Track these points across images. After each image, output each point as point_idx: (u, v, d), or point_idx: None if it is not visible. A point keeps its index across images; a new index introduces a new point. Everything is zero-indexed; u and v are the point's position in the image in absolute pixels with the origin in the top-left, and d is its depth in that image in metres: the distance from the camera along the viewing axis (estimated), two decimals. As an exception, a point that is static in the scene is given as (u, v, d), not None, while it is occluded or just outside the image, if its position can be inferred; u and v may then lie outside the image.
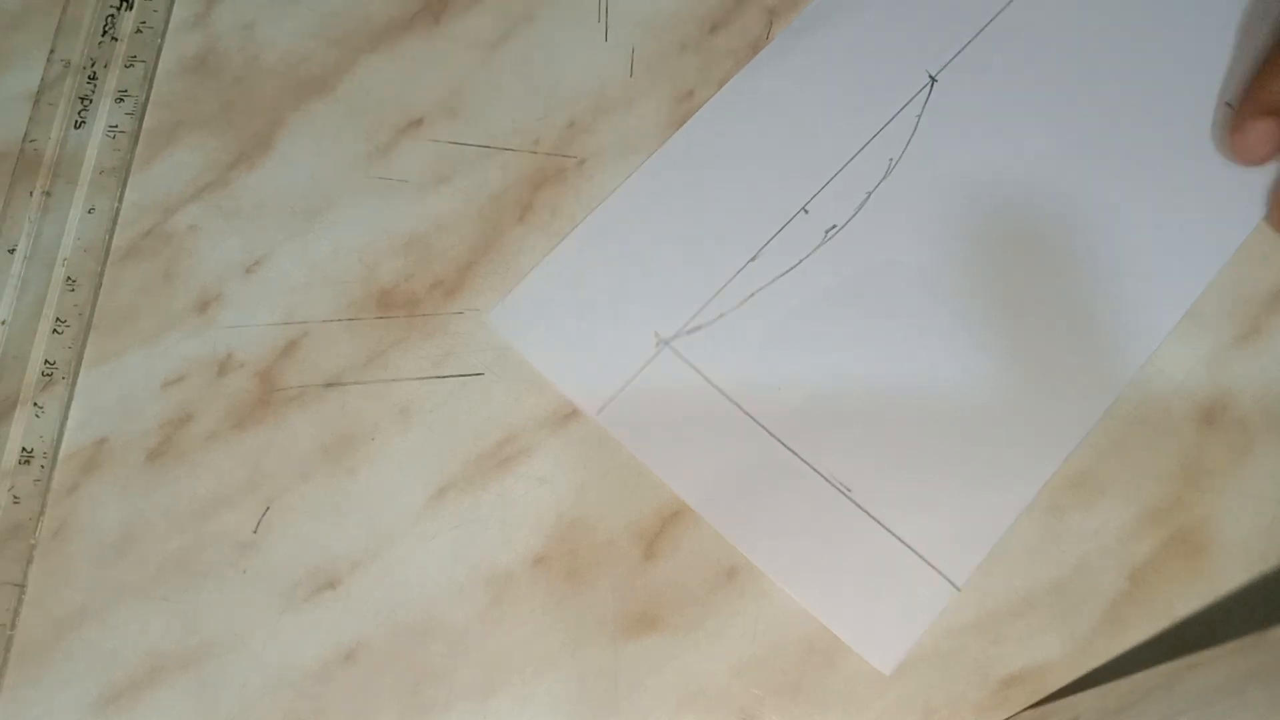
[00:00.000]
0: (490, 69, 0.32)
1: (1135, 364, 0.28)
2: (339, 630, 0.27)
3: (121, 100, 0.32)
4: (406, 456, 0.28)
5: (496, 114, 0.31)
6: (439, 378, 0.29)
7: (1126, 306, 0.29)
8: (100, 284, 0.30)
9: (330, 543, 0.28)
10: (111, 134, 0.31)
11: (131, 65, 0.32)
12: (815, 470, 0.27)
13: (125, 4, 0.33)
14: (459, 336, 0.29)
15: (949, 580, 0.26)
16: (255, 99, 0.32)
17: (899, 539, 0.27)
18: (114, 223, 0.31)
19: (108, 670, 0.27)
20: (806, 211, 0.30)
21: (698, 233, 0.30)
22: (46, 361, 0.29)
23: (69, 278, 0.30)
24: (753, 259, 0.29)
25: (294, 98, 0.32)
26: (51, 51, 0.32)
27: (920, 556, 0.26)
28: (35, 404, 0.29)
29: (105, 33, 0.33)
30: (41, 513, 0.28)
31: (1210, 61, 0.31)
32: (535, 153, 0.31)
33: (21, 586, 0.27)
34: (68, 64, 0.32)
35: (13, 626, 0.27)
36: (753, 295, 0.29)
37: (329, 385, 0.29)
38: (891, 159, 0.30)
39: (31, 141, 0.31)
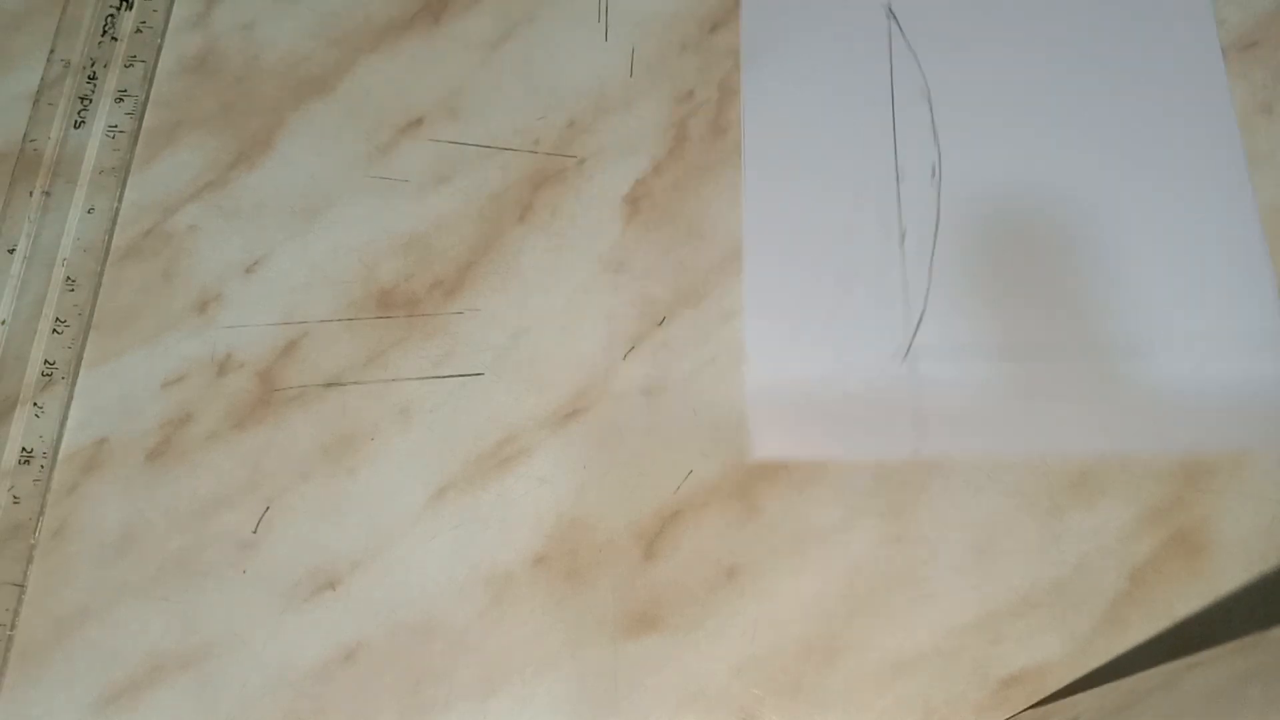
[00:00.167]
0: (490, 69, 0.32)
1: None
2: (339, 630, 0.27)
3: (121, 100, 0.32)
4: (406, 456, 0.28)
5: (496, 114, 0.31)
6: (439, 378, 0.29)
7: None
8: (100, 284, 0.30)
9: (330, 543, 0.28)
10: (111, 134, 0.31)
11: (131, 65, 0.32)
12: None
13: (125, 4, 0.33)
14: (459, 336, 0.29)
15: None
16: (255, 99, 0.32)
17: None
18: (114, 223, 0.31)
19: (108, 670, 0.27)
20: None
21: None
22: (46, 361, 0.29)
23: (69, 278, 0.30)
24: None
25: (294, 98, 0.32)
26: (51, 51, 0.32)
27: None
28: (35, 404, 0.29)
29: (105, 33, 0.33)
30: (41, 513, 0.28)
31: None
32: (535, 152, 0.31)
33: (21, 586, 0.27)
34: (68, 64, 0.32)
35: (13, 626, 0.27)
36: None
37: (329, 385, 0.29)
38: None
39: (31, 141, 0.31)
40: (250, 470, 0.28)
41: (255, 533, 0.28)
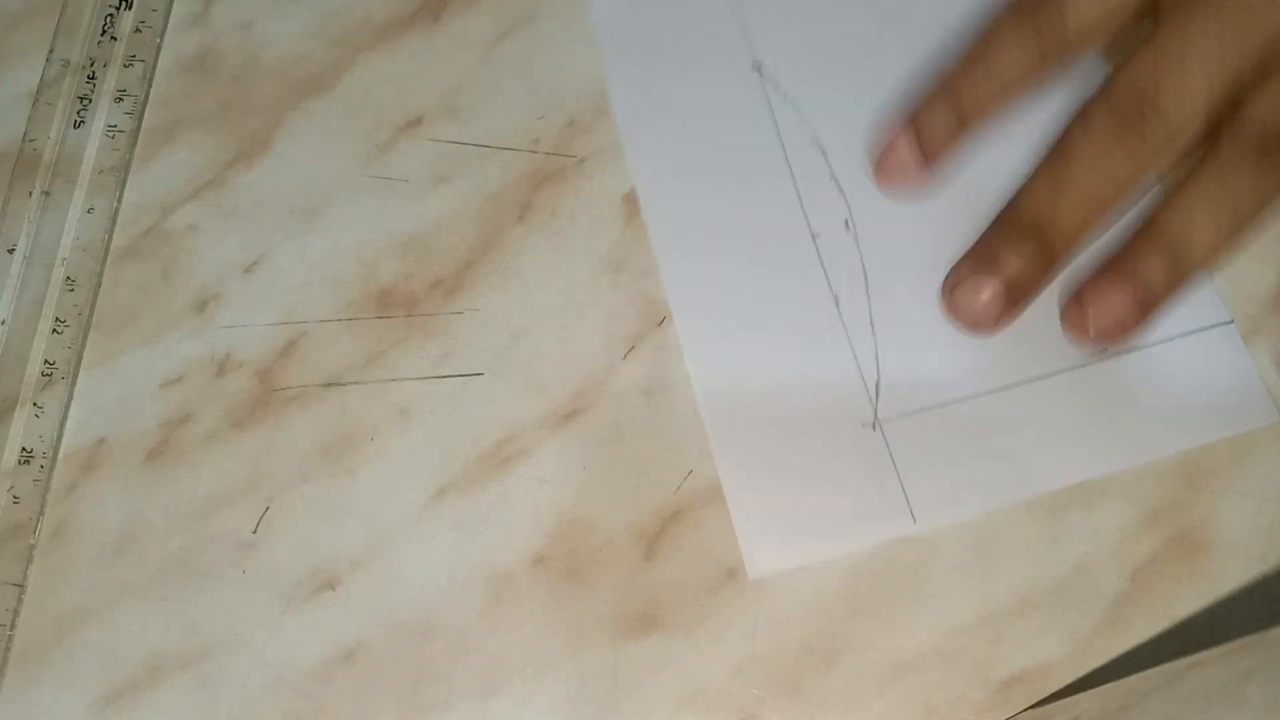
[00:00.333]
0: (490, 68, 0.32)
1: None
2: (339, 630, 0.27)
3: (120, 100, 0.32)
4: (406, 456, 0.28)
5: (496, 113, 0.31)
6: (439, 378, 0.29)
7: None
8: (99, 284, 0.30)
9: (330, 543, 0.28)
10: (110, 133, 0.31)
11: (130, 65, 0.32)
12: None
13: (124, 3, 0.33)
14: (459, 336, 0.29)
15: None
16: (254, 98, 0.32)
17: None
18: (113, 222, 0.31)
19: (108, 670, 0.27)
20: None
21: None
22: (46, 361, 0.29)
23: (68, 278, 0.30)
24: None
25: (293, 97, 0.32)
26: (51, 51, 0.32)
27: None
28: (35, 404, 0.29)
29: (104, 32, 0.33)
30: (41, 513, 0.28)
31: None
32: (535, 152, 0.31)
33: (21, 586, 0.27)
34: (67, 63, 0.32)
35: (13, 626, 0.27)
36: None
37: (329, 385, 0.29)
38: None
39: (30, 141, 0.31)
40: (250, 470, 0.28)
41: (255, 533, 0.28)
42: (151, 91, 0.32)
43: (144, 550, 0.28)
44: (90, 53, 0.32)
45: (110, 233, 0.31)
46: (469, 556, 0.27)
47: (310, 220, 0.31)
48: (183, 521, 0.28)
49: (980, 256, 0.27)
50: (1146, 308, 0.26)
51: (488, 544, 0.27)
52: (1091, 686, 0.25)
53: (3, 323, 0.30)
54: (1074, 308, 0.26)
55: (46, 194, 0.31)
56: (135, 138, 0.32)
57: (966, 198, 0.29)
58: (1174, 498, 0.27)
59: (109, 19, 0.33)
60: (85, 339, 0.30)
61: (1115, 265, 0.26)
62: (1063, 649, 0.26)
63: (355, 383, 0.29)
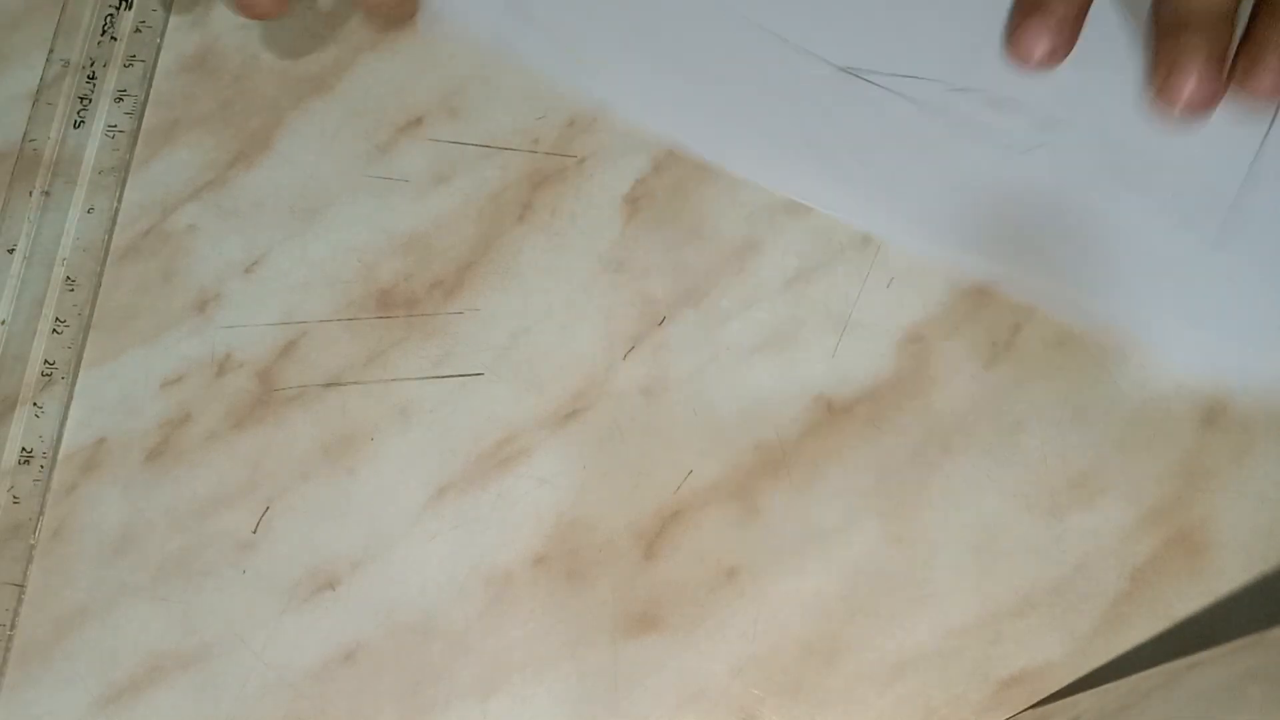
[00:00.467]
0: (490, 68, 0.32)
1: None
2: (339, 630, 0.27)
3: (120, 100, 0.32)
4: (406, 456, 0.28)
5: (496, 113, 0.31)
6: (439, 378, 0.29)
7: None
8: (99, 284, 0.30)
9: (330, 543, 0.28)
10: (110, 133, 0.31)
11: (130, 65, 0.32)
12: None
13: (124, 3, 0.33)
14: (459, 336, 0.29)
15: None
16: (254, 98, 0.32)
17: None
18: (113, 222, 0.31)
19: (108, 670, 0.27)
20: None
21: None
22: (46, 361, 0.29)
23: (68, 277, 0.30)
24: None
25: (293, 96, 0.32)
26: (51, 51, 0.32)
27: None
28: (35, 404, 0.29)
29: (104, 32, 0.33)
30: (41, 513, 0.28)
31: None
32: (535, 152, 0.31)
33: (21, 586, 0.27)
34: (67, 63, 0.32)
35: (13, 626, 0.27)
36: None
37: (329, 385, 0.29)
38: None
39: (31, 141, 0.31)
40: (250, 470, 0.28)
41: (255, 533, 0.28)
42: (151, 91, 0.32)
43: (144, 550, 0.28)
44: (90, 53, 0.32)
45: (110, 233, 0.31)
46: (469, 556, 0.27)
47: (310, 220, 0.31)
48: (183, 521, 0.28)
49: (1030, 4, 0.30)
50: None
51: (488, 544, 0.27)
52: (1091, 686, 0.25)
53: (3, 323, 0.30)
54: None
55: (46, 194, 0.31)
56: (135, 138, 0.32)
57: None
58: (1174, 498, 0.27)
59: (109, 19, 0.33)
60: (85, 339, 0.30)
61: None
62: (1063, 649, 0.26)
63: (355, 383, 0.29)
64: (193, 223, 0.31)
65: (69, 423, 0.29)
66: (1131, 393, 0.28)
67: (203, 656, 0.27)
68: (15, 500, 0.28)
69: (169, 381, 0.29)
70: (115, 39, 0.33)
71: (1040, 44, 0.29)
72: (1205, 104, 0.29)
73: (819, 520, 0.27)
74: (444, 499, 0.28)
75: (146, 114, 0.32)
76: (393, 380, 0.29)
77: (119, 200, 0.31)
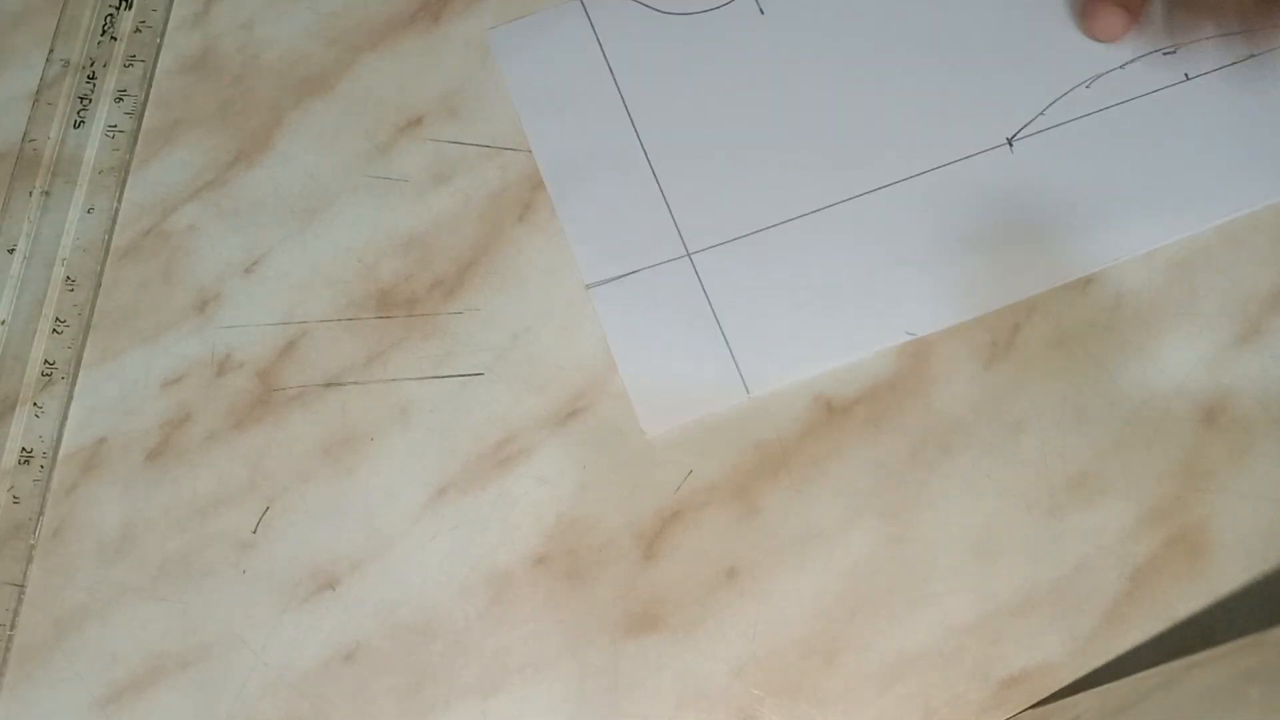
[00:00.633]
0: (490, 68, 0.32)
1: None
2: (339, 630, 0.27)
3: (120, 100, 0.32)
4: (406, 456, 0.28)
5: (496, 113, 0.31)
6: (439, 378, 0.29)
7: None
8: (99, 284, 0.30)
9: (330, 543, 0.28)
10: (110, 133, 0.31)
11: (130, 65, 0.32)
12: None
13: (124, 3, 0.33)
14: (459, 336, 0.29)
15: (744, 383, 0.28)
16: (254, 98, 0.32)
17: (720, 326, 0.29)
18: (113, 222, 0.31)
19: (108, 670, 0.27)
20: None
21: None
22: (46, 361, 0.29)
23: (68, 277, 0.30)
24: None
25: (293, 97, 0.32)
26: (51, 51, 0.32)
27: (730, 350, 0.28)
28: (35, 404, 0.29)
29: (104, 32, 0.33)
30: (41, 513, 0.28)
31: None
32: (535, 152, 0.31)
33: (21, 586, 0.27)
34: (67, 64, 0.32)
35: (13, 626, 0.27)
36: None
37: (329, 385, 0.29)
38: None
39: (31, 141, 0.31)
40: (250, 470, 0.28)
41: (255, 533, 0.28)
42: (151, 91, 0.32)
43: (144, 550, 0.28)
44: (90, 53, 0.32)
45: (110, 233, 0.31)
46: (469, 556, 0.27)
47: (310, 220, 0.31)
48: (183, 521, 0.28)
49: None
50: None
51: (488, 544, 0.27)
52: (1091, 686, 0.25)
53: (3, 323, 0.30)
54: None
55: (46, 194, 0.31)
56: (135, 138, 0.32)
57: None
58: (1174, 498, 0.27)
59: (109, 19, 0.33)
60: (85, 339, 0.30)
61: None
62: (1063, 649, 0.26)
63: (355, 383, 0.29)
64: (193, 223, 0.31)
65: (69, 423, 0.29)
66: (1131, 393, 0.28)
67: (203, 656, 0.27)
68: (15, 500, 0.28)
69: (169, 381, 0.29)
70: (115, 39, 0.33)
71: (1115, 22, 0.31)
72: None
73: (819, 520, 0.27)
74: (444, 499, 0.28)
75: (146, 114, 0.32)
76: (393, 380, 0.29)
77: (119, 200, 0.31)
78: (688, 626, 0.27)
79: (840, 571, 0.27)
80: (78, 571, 0.27)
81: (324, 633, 0.27)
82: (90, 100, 0.32)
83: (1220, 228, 0.29)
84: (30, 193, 0.31)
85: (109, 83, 0.32)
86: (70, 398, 0.29)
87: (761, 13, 0.31)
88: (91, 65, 0.32)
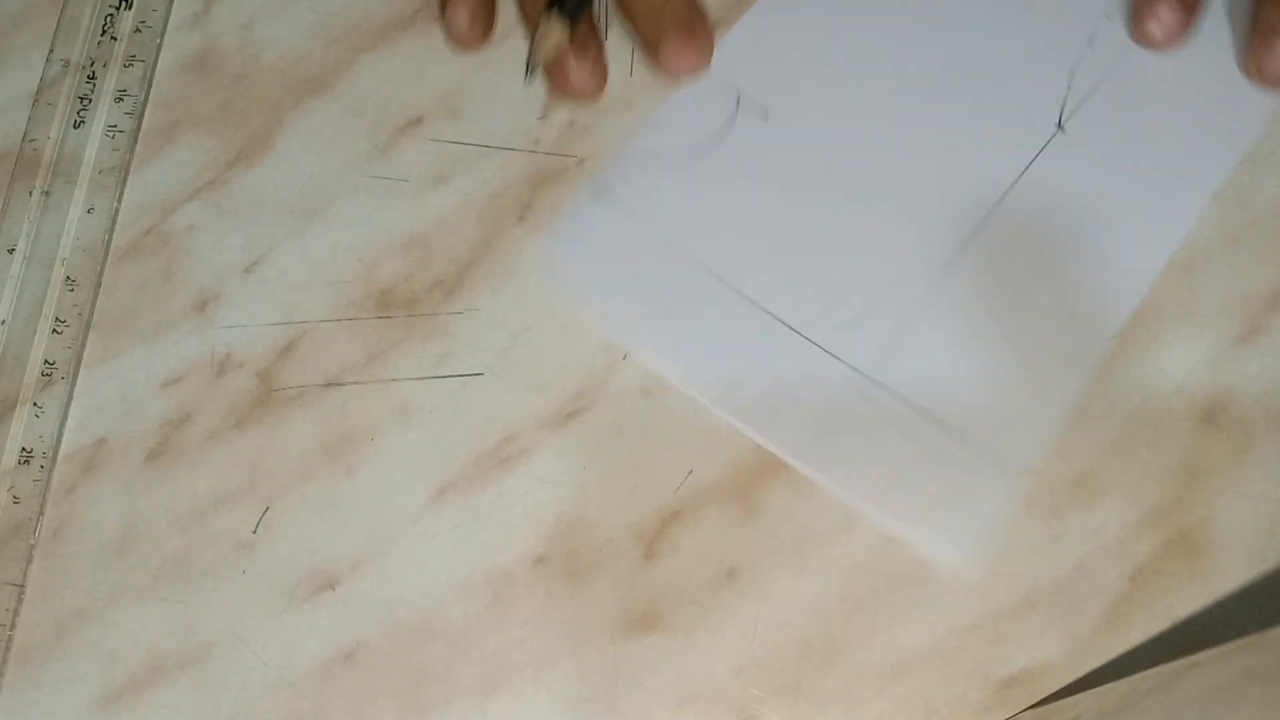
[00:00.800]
0: (490, 68, 0.32)
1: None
2: (339, 630, 0.27)
3: (120, 100, 0.32)
4: (406, 456, 0.28)
5: (496, 113, 0.31)
6: (439, 378, 0.29)
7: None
8: (99, 284, 0.30)
9: (330, 543, 0.28)
10: (110, 133, 0.31)
11: (130, 65, 0.32)
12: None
13: (124, 3, 0.33)
14: (459, 336, 0.29)
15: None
16: (254, 98, 0.32)
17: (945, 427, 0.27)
18: (113, 222, 0.31)
19: (108, 670, 0.27)
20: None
21: None
22: (46, 361, 0.29)
23: (68, 277, 0.30)
24: None
25: (293, 97, 0.32)
26: (51, 51, 0.32)
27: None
28: (35, 404, 0.29)
29: (104, 32, 0.33)
30: (41, 513, 0.28)
31: None
32: (535, 152, 0.31)
33: (21, 586, 0.27)
34: (67, 63, 0.32)
35: (13, 626, 0.27)
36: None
37: (329, 385, 0.29)
38: None
39: (31, 141, 0.31)
40: (250, 470, 0.28)
41: (255, 533, 0.28)
42: (151, 91, 0.32)
43: (144, 550, 0.28)
44: (90, 53, 0.32)
45: (110, 233, 0.31)
46: (469, 556, 0.27)
47: (310, 220, 0.31)
48: (183, 521, 0.28)
49: None
50: None
51: (488, 544, 0.27)
52: (1091, 686, 0.25)
53: (3, 323, 0.30)
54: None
55: (46, 194, 0.31)
56: (135, 138, 0.32)
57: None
58: (1174, 498, 0.27)
59: (109, 19, 0.33)
60: (85, 339, 0.30)
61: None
62: (1063, 649, 0.26)
63: (355, 383, 0.29)
64: (193, 223, 0.31)
65: (69, 423, 0.29)
66: (1131, 393, 0.28)
67: (203, 656, 0.27)
68: (15, 500, 0.28)
69: (169, 381, 0.29)
70: (115, 39, 0.33)
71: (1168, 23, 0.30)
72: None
73: (819, 520, 0.27)
74: (444, 499, 0.28)
75: (146, 114, 0.32)
76: (393, 380, 0.29)
77: (119, 200, 0.31)
78: (688, 626, 0.27)
79: (840, 571, 0.27)
80: (78, 571, 0.27)
81: (324, 633, 0.27)
82: (90, 100, 0.32)
83: (1220, 228, 0.29)
84: (30, 193, 0.31)
85: (109, 83, 0.32)
86: (70, 398, 0.29)
87: (765, 120, 0.31)
88: (91, 65, 0.32)
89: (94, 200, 0.31)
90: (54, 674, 0.27)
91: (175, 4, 0.33)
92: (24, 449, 0.28)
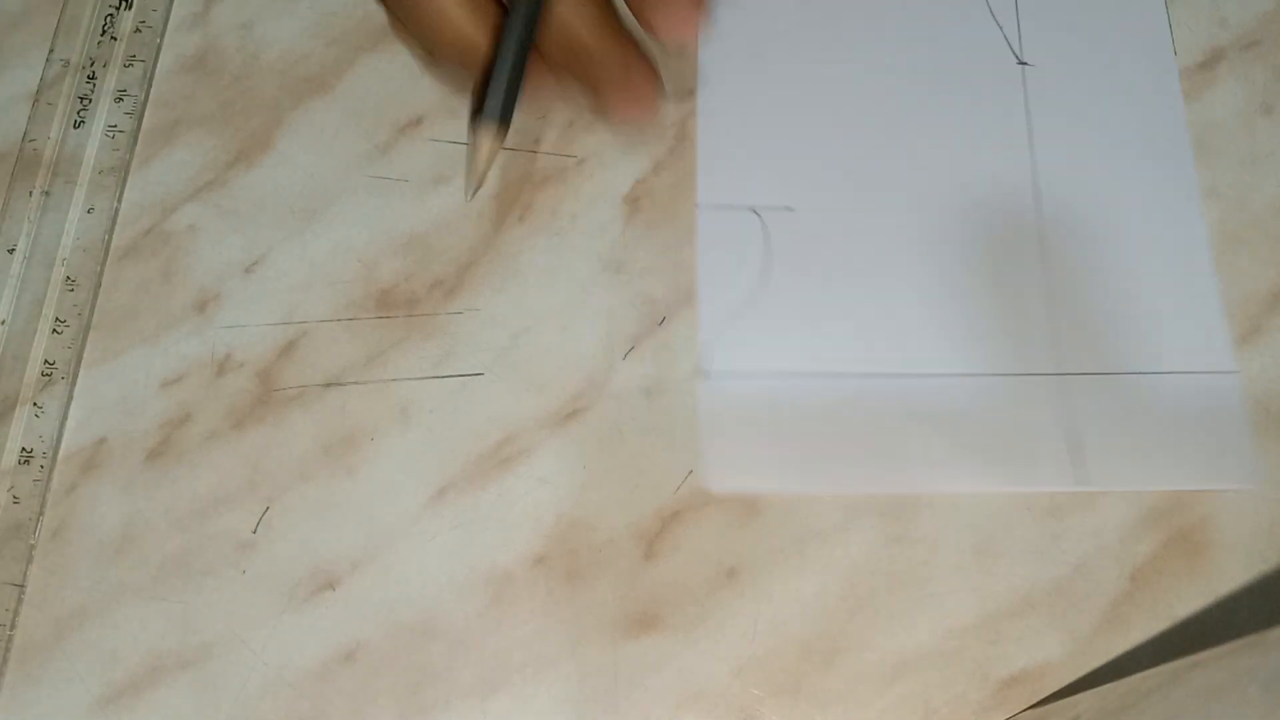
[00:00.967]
0: (490, 68, 0.32)
1: None
2: (339, 630, 0.27)
3: (120, 100, 0.32)
4: (406, 456, 0.28)
5: (496, 113, 0.31)
6: (439, 378, 0.29)
7: None
8: (99, 284, 0.30)
9: (330, 543, 0.28)
10: (110, 133, 0.31)
11: (130, 65, 0.32)
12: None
13: (124, 3, 0.33)
14: (459, 336, 0.29)
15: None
16: (254, 98, 0.32)
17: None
18: (113, 222, 0.31)
19: (108, 670, 0.27)
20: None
21: None
22: (46, 361, 0.29)
23: (68, 277, 0.30)
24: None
25: (293, 97, 0.32)
26: (51, 51, 0.32)
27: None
28: (35, 404, 0.29)
29: (104, 32, 0.33)
30: (41, 513, 0.28)
31: None
32: (535, 152, 0.31)
33: (21, 586, 0.27)
34: (67, 63, 0.32)
35: (13, 626, 0.27)
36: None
37: (329, 385, 0.29)
38: None
39: (31, 141, 0.31)
40: (250, 470, 0.28)
41: (255, 533, 0.28)
42: (151, 91, 0.32)
43: (144, 550, 0.28)
44: (90, 53, 0.32)
45: (110, 233, 0.31)
46: (469, 556, 0.27)
47: (310, 220, 0.31)
48: (183, 521, 0.28)
49: None
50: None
51: (488, 544, 0.27)
52: (1091, 686, 0.25)
53: (3, 323, 0.30)
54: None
55: (46, 194, 0.31)
56: (135, 138, 0.32)
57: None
58: (1174, 498, 0.27)
59: (109, 19, 0.33)
60: (85, 339, 0.30)
61: None
62: (1063, 649, 0.26)
63: (355, 383, 0.29)
64: (193, 223, 0.31)
65: (69, 423, 0.29)
66: (1131, 393, 0.28)
67: (203, 656, 0.27)
68: (15, 500, 0.28)
69: (169, 381, 0.29)
70: (115, 39, 0.33)
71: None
72: None
73: (819, 520, 0.27)
74: (444, 499, 0.28)
75: (146, 114, 0.32)
76: (393, 380, 0.29)
77: (119, 200, 0.31)
78: (688, 626, 0.27)
79: (840, 571, 0.27)
80: (78, 571, 0.27)
81: (324, 633, 0.27)
82: (90, 100, 0.32)
83: (1220, 228, 0.29)
84: (30, 193, 0.31)
85: (109, 83, 0.32)
86: (70, 398, 0.29)
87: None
88: (91, 65, 0.32)
89: (94, 200, 0.31)
90: (54, 674, 0.27)
91: (175, 4, 0.33)
92: (24, 449, 0.28)
